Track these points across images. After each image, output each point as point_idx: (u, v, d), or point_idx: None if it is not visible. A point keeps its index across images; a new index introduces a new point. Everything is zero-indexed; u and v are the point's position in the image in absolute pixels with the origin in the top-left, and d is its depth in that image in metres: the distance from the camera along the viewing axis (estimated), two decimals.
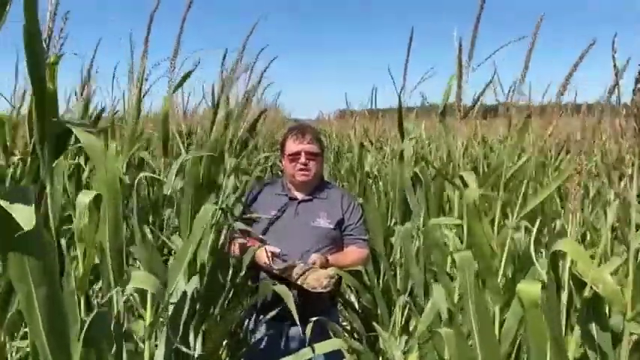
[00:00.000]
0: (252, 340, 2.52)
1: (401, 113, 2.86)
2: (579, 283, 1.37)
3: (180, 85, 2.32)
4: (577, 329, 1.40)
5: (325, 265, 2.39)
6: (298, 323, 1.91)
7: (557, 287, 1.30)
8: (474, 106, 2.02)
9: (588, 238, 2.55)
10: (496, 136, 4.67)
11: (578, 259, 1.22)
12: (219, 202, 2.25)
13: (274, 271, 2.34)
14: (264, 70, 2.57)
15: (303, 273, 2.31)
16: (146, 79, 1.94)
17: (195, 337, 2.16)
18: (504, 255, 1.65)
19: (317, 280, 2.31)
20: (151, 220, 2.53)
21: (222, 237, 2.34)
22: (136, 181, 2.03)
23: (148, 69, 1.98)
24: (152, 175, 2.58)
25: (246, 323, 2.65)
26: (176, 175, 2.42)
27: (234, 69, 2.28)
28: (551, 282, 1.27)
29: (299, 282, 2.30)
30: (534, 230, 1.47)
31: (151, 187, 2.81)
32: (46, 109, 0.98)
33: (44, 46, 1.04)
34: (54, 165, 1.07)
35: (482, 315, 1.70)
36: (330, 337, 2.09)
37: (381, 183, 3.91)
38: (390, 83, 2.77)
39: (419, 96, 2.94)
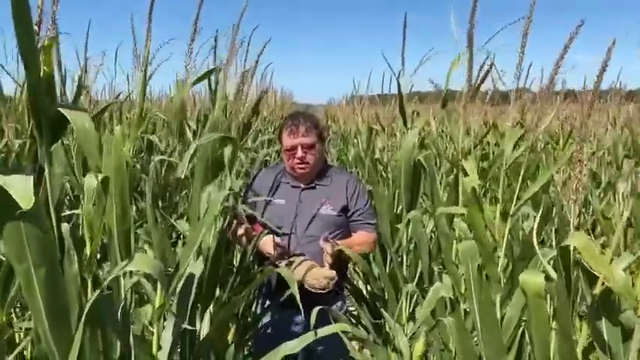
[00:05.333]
0: (259, 325, 2.54)
1: (402, 99, 2.83)
2: (590, 277, 1.35)
3: (202, 79, 2.31)
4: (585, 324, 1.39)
5: (334, 252, 2.38)
6: (302, 310, 1.91)
7: (568, 281, 1.28)
8: (478, 88, 2.00)
9: (598, 228, 2.54)
10: (508, 122, 4.63)
11: (589, 256, 1.18)
12: (226, 184, 2.25)
13: (277, 263, 2.34)
14: (260, 53, 2.54)
15: (306, 273, 2.31)
16: (150, 63, 1.94)
17: (202, 319, 2.18)
18: (504, 243, 1.64)
19: (316, 279, 2.30)
20: (160, 205, 2.55)
21: (227, 220, 2.34)
22: (152, 165, 2.04)
23: (152, 52, 1.97)
24: (168, 158, 2.58)
25: (253, 307, 2.67)
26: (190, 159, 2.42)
27: (230, 49, 2.26)
28: (560, 276, 1.25)
29: (302, 280, 2.29)
30: (536, 218, 1.46)
31: (160, 172, 2.83)
32: (40, 94, 0.98)
33: (36, 28, 1.02)
34: (52, 148, 1.07)
35: (484, 305, 1.72)
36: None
37: (389, 169, 3.89)
38: (403, 68, 2.75)
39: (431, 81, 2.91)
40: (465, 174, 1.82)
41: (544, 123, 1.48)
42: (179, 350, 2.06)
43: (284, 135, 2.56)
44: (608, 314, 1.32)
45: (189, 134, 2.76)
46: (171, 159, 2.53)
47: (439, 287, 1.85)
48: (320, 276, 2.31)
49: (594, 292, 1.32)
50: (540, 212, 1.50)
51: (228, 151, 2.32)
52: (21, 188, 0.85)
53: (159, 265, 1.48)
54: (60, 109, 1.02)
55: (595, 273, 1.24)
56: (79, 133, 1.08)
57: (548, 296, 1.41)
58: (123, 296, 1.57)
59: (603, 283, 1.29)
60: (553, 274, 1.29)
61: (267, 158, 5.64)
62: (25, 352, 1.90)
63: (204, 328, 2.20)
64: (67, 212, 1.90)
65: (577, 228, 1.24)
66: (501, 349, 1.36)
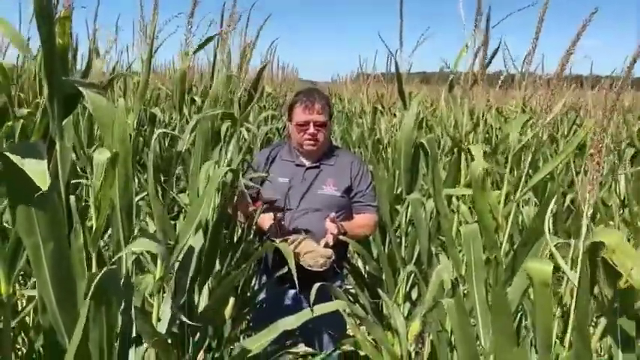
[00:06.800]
0: (258, 300, 2.56)
1: (400, 79, 2.80)
2: (612, 273, 1.29)
3: (201, 47, 2.29)
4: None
5: (340, 234, 2.38)
6: (297, 287, 1.92)
7: (592, 278, 1.26)
8: (484, 71, 1.99)
9: (598, 216, 2.55)
10: (511, 106, 4.62)
11: (622, 253, 1.14)
12: (223, 159, 2.24)
13: (276, 240, 2.31)
14: (261, 27, 2.52)
15: (305, 252, 2.30)
16: (157, 37, 1.92)
17: (200, 292, 2.19)
18: (507, 228, 1.64)
19: (313, 258, 2.30)
20: (162, 178, 2.55)
21: (227, 195, 2.33)
22: (154, 138, 2.03)
23: (159, 25, 1.96)
24: (170, 132, 2.56)
25: (253, 282, 2.69)
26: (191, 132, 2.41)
27: (230, 23, 2.24)
28: (584, 273, 1.23)
29: (298, 258, 2.28)
30: (540, 204, 1.46)
31: (162, 145, 2.82)
32: (55, 67, 0.96)
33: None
34: (64, 122, 1.06)
35: (484, 288, 1.73)
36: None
37: (389, 151, 3.86)
38: (408, 47, 2.73)
39: (440, 61, 2.89)
40: (472, 157, 1.80)
41: (554, 110, 1.47)
42: (178, 323, 2.06)
43: (297, 109, 2.54)
44: (626, 309, 1.29)
45: (189, 108, 2.73)
46: (173, 132, 2.51)
47: (442, 269, 1.85)
48: (317, 255, 2.32)
49: (616, 288, 1.28)
50: (545, 199, 1.48)
51: (225, 125, 2.31)
52: (36, 166, 0.84)
53: (162, 244, 1.49)
54: (75, 84, 1.01)
55: (618, 269, 1.19)
56: (95, 109, 1.07)
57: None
58: (125, 270, 1.57)
59: (627, 280, 1.25)
60: (563, 264, 1.27)
61: (270, 136, 5.62)
62: (27, 319, 1.92)
63: (202, 301, 2.21)
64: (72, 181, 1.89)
65: (592, 219, 1.22)
66: (512, 335, 1.33)
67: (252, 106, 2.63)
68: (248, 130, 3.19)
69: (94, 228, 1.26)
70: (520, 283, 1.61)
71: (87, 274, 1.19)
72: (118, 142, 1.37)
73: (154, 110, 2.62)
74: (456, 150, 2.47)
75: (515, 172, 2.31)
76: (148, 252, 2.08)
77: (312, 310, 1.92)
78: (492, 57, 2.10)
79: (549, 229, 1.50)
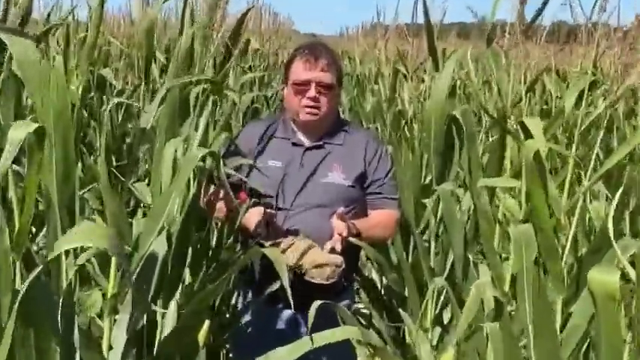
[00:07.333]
0: (240, 322, 2.55)
1: (431, 32, 2.78)
2: None
3: None
4: None
5: (351, 235, 2.37)
6: (292, 307, 1.91)
7: None
8: (534, 21, 1.96)
9: None
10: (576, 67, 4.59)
11: None
12: (193, 137, 2.25)
13: (265, 244, 2.31)
14: None
15: (302, 257, 2.28)
16: None
17: (165, 309, 2.20)
18: (571, 230, 1.64)
19: (317, 268, 2.27)
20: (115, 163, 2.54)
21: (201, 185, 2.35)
22: (107, 109, 2.02)
23: None
24: (127, 101, 2.55)
25: (233, 300, 2.68)
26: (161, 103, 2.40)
27: None
28: None
29: (296, 266, 2.27)
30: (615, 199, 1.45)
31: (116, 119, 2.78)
32: None
33: None
34: None
35: (540, 308, 1.71)
36: (338, 326, 2.05)
37: (416, 127, 3.86)
38: None
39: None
40: (527, 134, 1.80)
41: (633, 75, 1.44)
42: (135, 352, 2.08)
43: (296, 65, 2.52)
44: None
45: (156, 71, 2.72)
46: (131, 102, 2.49)
47: (483, 284, 1.84)
48: (321, 262, 2.29)
49: None
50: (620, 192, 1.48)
51: (195, 92, 2.31)
52: None
53: (115, 238, 1.47)
54: None
55: None
56: (21, 64, 1.06)
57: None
58: (65, 282, 1.55)
59: None
60: (633, 274, 1.28)
61: (258, 106, 5.60)
62: None
63: (168, 324, 2.22)
64: None
65: None
66: None
67: (231, 64, 2.61)
68: (226, 97, 3.17)
69: (16, 227, 1.26)
70: (588, 302, 1.61)
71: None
72: (56, 115, 1.35)
73: (103, 72, 2.59)
74: (499, 127, 2.46)
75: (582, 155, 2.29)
76: (96, 258, 2.06)
77: (311, 339, 1.90)
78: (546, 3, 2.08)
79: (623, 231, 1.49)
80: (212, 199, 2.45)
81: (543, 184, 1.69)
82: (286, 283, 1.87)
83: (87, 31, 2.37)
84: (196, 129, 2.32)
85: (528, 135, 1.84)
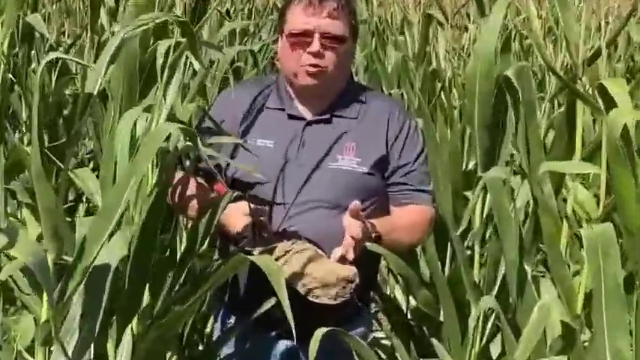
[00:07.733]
0: (218, 356, 2.57)
1: None
2: None
3: None
4: None
5: (368, 239, 2.37)
6: (294, 336, 1.91)
7: None
8: None
9: None
10: None
11: None
12: (161, 107, 2.24)
13: (253, 251, 2.31)
14: None
15: (302, 268, 2.30)
16: None
17: (118, 342, 2.21)
18: None
19: (325, 283, 2.29)
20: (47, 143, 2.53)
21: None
22: (39, 69, 1.99)
23: None
24: (66, 57, 2.53)
25: (208, 327, 2.67)
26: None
27: None
28: None
29: (295, 281, 2.29)
30: None
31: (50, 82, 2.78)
32: None
33: None
34: None
35: (624, 337, 1.74)
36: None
37: (455, 93, 3.88)
38: None
39: None
40: (607, 102, 1.77)
41: None
42: None
43: (294, 9, 2.52)
44: None
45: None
46: (71, 58, 2.46)
47: (547, 305, 1.85)
48: (327, 276, 2.30)
49: None
50: None
51: (164, 47, 2.27)
52: None
53: (41, 252, 1.44)
54: None
55: None
56: None
57: None
58: None
59: None
60: None
61: (240, 64, 5.68)
62: None
63: (121, 358, 2.24)
64: None
65: None
66: None
67: (210, 13, 2.59)
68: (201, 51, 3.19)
69: None
70: None
71: None
72: None
73: (30, 19, 2.56)
74: (568, 92, 2.43)
75: None
76: (24, 273, 2.10)
77: None
78: None
79: None
80: (181, 191, 2.42)
81: (631, 169, 1.68)
82: (286, 304, 1.86)
83: None
84: (164, 95, 2.29)
85: (609, 103, 1.83)
